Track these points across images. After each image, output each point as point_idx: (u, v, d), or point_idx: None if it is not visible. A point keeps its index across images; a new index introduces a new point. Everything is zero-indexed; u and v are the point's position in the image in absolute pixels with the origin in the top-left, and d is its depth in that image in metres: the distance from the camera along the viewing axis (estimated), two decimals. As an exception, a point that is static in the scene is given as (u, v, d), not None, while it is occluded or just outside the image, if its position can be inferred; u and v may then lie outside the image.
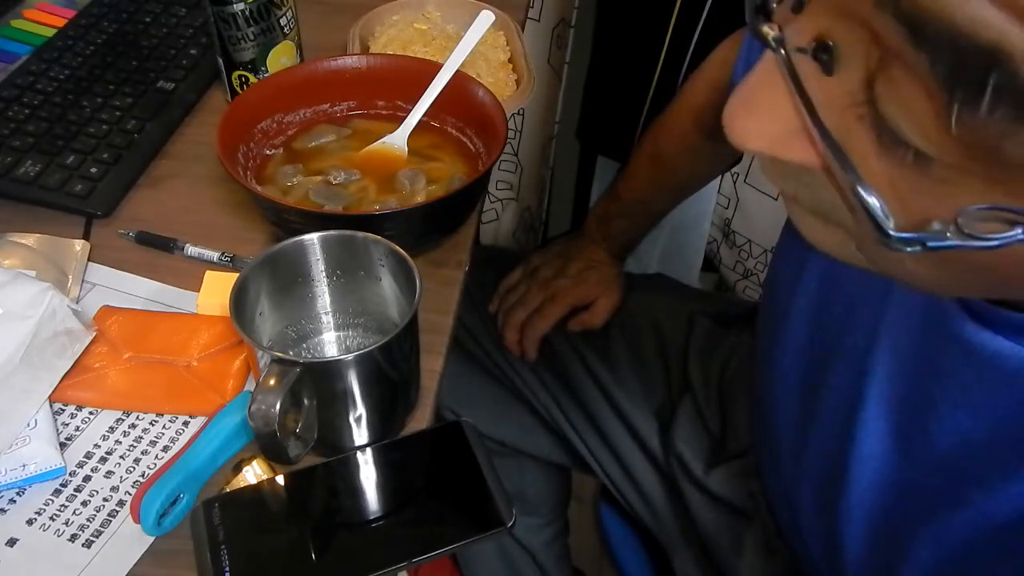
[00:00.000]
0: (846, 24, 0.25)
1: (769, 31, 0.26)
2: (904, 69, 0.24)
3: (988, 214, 0.25)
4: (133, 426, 0.52)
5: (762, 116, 0.29)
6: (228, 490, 0.48)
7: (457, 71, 0.68)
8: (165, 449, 0.51)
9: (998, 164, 0.24)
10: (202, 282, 0.57)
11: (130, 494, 0.49)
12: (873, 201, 0.26)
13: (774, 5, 0.28)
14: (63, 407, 0.53)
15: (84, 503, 0.48)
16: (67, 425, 0.52)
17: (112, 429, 0.52)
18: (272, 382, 0.44)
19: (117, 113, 0.72)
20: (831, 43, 0.26)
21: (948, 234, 0.25)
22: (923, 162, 0.25)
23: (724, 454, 0.73)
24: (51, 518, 0.48)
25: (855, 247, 0.31)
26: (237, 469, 0.49)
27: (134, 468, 0.50)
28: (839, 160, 0.26)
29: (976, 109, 0.22)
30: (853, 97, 0.26)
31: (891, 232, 0.26)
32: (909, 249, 0.26)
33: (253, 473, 0.49)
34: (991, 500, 0.39)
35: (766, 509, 0.68)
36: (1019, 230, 0.24)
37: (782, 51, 0.26)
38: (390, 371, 0.49)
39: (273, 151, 0.68)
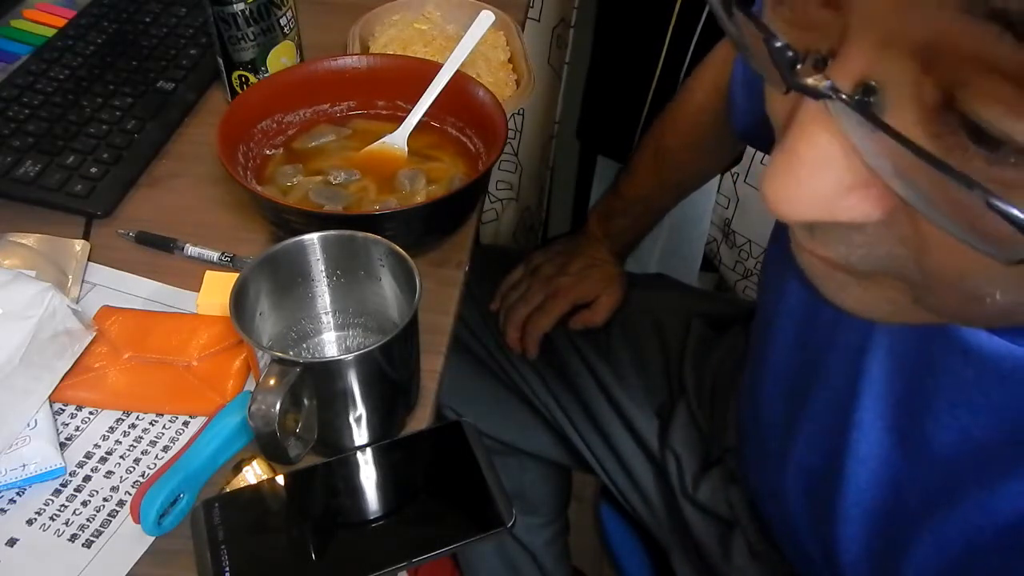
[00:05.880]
0: (891, 60, 0.24)
1: (817, 82, 0.24)
2: (996, 74, 0.22)
3: None
4: (133, 426, 0.52)
5: (809, 178, 0.26)
6: (228, 490, 0.48)
7: (457, 71, 0.68)
8: (165, 449, 0.51)
9: None
10: (202, 282, 0.57)
11: (130, 494, 0.49)
12: (1015, 211, 0.21)
13: (821, 55, 0.25)
14: (63, 407, 0.53)
15: (84, 503, 0.48)
16: (67, 425, 0.52)
17: (112, 429, 0.52)
18: (272, 382, 0.44)
19: (117, 113, 0.72)
20: (874, 84, 0.24)
21: None
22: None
23: (711, 458, 0.73)
24: (51, 518, 0.48)
25: (912, 300, 0.29)
26: (237, 469, 0.49)
27: (134, 468, 0.50)
28: (957, 181, 0.22)
29: None
30: (909, 134, 0.23)
31: None
32: None
33: (253, 473, 0.49)
34: (992, 498, 0.39)
35: (747, 516, 0.68)
36: None
37: (841, 97, 0.23)
38: (390, 371, 0.49)
39: (273, 151, 0.68)
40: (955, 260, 0.26)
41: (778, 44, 0.24)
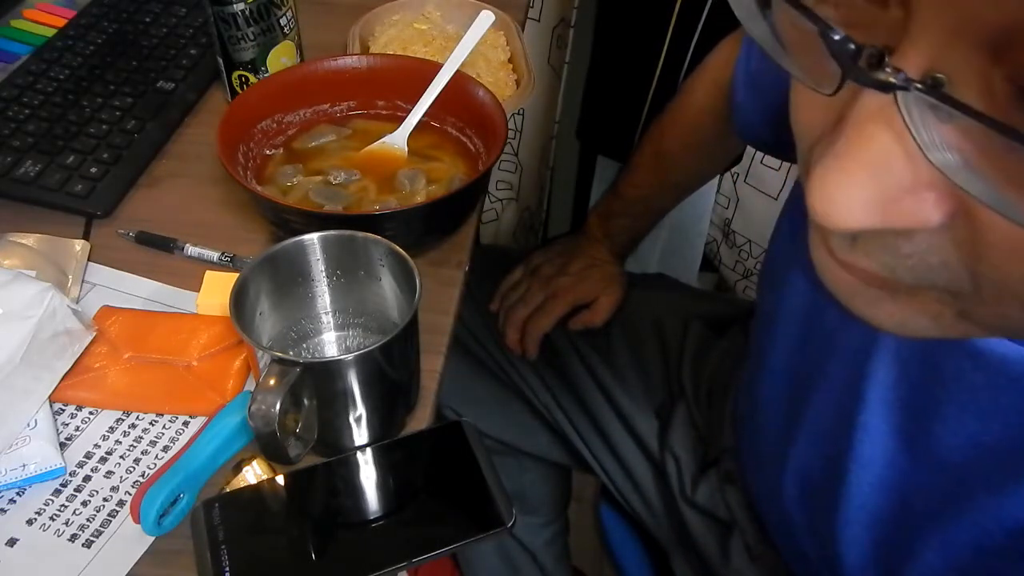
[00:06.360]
0: (958, 51, 0.22)
1: (887, 75, 0.22)
2: None
3: None
4: (133, 426, 0.52)
5: (869, 180, 0.24)
6: (228, 490, 0.48)
7: (457, 71, 0.68)
8: (165, 449, 0.51)
9: None
10: (202, 282, 0.57)
11: (130, 494, 0.49)
12: None
13: (876, 49, 0.23)
14: (63, 407, 0.53)
15: (84, 503, 0.48)
16: (67, 425, 0.52)
17: (112, 429, 0.52)
18: (272, 382, 0.44)
19: (117, 113, 0.72)
20: (941, 76, 0.22)
21: None
22: None
23: (708, 459, 0.73)
24: (51, 518, 0.48)
25: (956, 314, 0.28)
26: (237, 469, 0.49)
27: (134, 468, 0.50)
28: None
29: None
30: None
31: None
32: None
33: (253, 473, 0.49)
34: (1001, 504, 0.39)
35: (745, 517, 0.68)
36: None
37: (916, 87, 0.22)
38: (390, 371, 0.49)
39: (273, 151, 0.68)
40: (1020, 263, 0.24)
41: (837, 36, 0.23)
